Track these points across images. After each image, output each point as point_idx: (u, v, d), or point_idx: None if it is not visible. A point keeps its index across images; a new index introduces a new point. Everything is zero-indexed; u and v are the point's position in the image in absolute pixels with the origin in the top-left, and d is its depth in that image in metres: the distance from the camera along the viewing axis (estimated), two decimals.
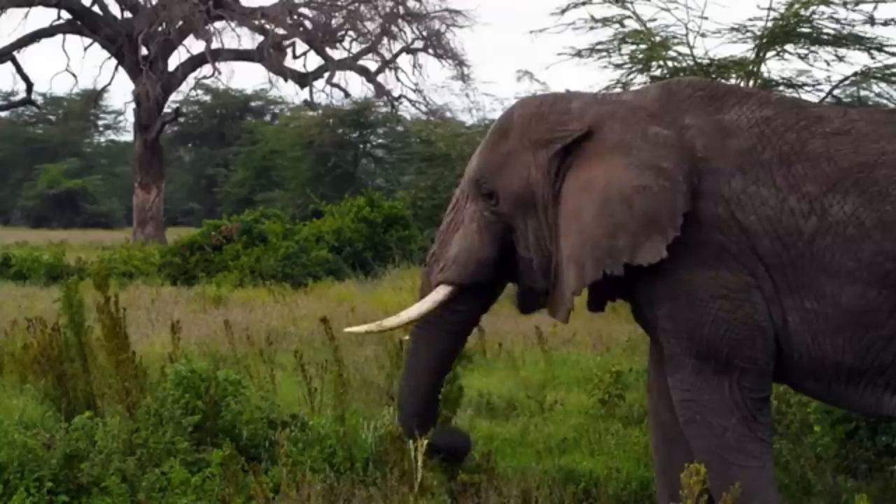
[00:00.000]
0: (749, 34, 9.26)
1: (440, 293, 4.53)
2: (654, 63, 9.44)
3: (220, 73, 31.82)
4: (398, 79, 32.73)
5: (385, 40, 32.07)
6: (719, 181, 4.14)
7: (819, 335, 4.09)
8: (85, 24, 30.89)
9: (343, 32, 31.97)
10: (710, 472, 4.06)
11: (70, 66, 51.52)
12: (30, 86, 33.47)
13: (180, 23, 29.75)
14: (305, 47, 31.88)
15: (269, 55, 30.48)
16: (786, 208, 4.08)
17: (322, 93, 33.21)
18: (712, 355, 4.15)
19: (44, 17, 53.02)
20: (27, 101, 36.46)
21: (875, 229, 3.99)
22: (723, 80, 9.10)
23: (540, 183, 4.35)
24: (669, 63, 9.36)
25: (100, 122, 55.13)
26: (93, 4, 31.14)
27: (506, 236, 4.46)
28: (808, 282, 4.07)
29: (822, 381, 4.21)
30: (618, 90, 9.66)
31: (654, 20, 9.70)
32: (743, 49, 9.62)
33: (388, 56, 32.37)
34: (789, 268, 4.09)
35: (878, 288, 3.99)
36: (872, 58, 9.20)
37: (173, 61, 31.32)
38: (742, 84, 9.25)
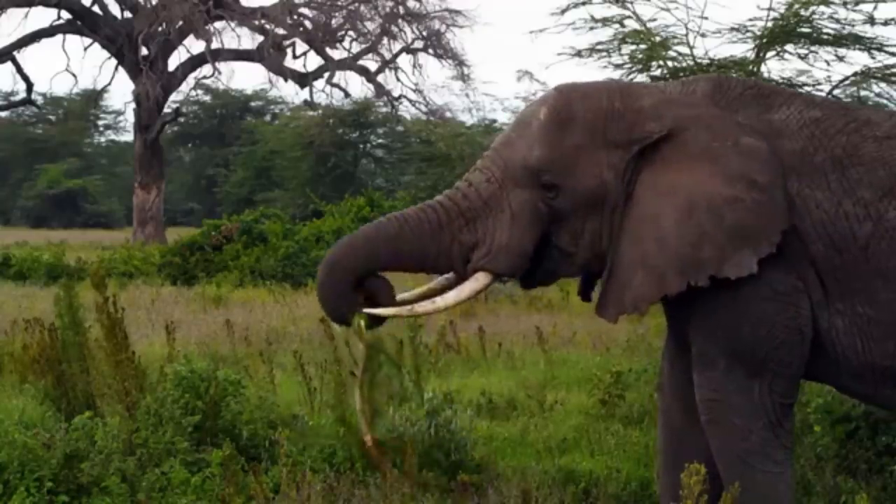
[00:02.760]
0: (749, 34, 9.25)
1: (481, 281, 4.28)
2: (654, 63, 9.43)
3: (220, 73, 31.94)
4: (398, 79, 32.81)
5: (385, 40, 32.12)
6: None
7: (870, 339, 4.08)
8: (85, 24, 30.92)
9: (343, 32, 31.99)
10: (730, 474, 4.11)
11: (70, 66, 51.71)
12: (30, 86, 33.53)
13: (180, 23, 29.77)
14: (305, 47, 31.92)
15: (269, 55, 30.51)
16: (840, 212, 4.06)
17: (322, 93, 33.29)
18: (748, 356, 4.11)
19: (44, 17, 53.24)
20: (27, 101, 36.51)
21: None
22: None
23: (612, 184, 4.21)
24: (669, 63, 9.35)
25: (100, 122, 55.20)
26: (93, 4, 31.17)
27: (548, 227, 4.26)
28: (861, 286, 4.05)
29: (869, 384, 4.19)
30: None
31: (654, 20, 9.69)
32: (743, 49, 9.59)
33: (388, 56, 32.42)
34: (842, 272, 4.07)
35: None
36: (872, 58, 9.18)
37: (173, 61, 31.41)
38: None
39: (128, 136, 44.49)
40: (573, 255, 4.28)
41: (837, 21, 9.10)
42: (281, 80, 32.34)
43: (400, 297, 4.32)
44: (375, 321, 4.22)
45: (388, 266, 4.32)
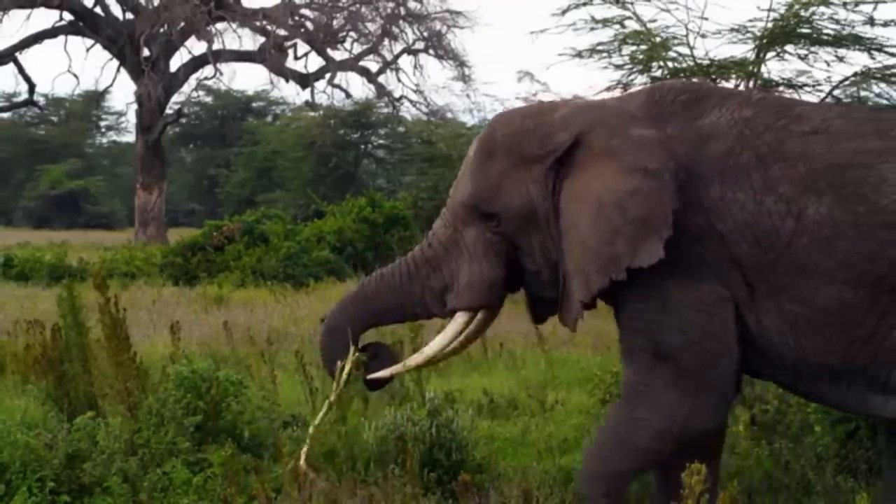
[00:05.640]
0: (749, 35, 9.27)
1: (459, 321, 4.54)
2: (654, 64, 9.46)
3: (221, 73, 31.92)
4: (399, 79, 32.85)
5: (386, 41, 32.13)
6: (699, 190, 4.16)
7: (800, 336, 4.12)
8: (87, 25, 30.94)
9: (344, 33, 32.01)
10: (603, 444, 4.27)
11: (72, 68, 51.74)
12: (32, 87, 33.55)
13: (182, 24, 29.79)
14: (307, 48, 31.93)
15: (271, 56, 30.52)
16: (763, 210, 4.10)
17: (323, 93, 33.33)
18: (673, 361, 4.18)
19: (46, 18, 53.20)
20: (29, 102, 36.55)
21: (849, 230, 4.02)
22: (710, 81, 9.13)
23: (539, 198, 4.36)
24: (670, 64, 9.37)
25: (102, 123, 55.22)
26: (95, 6, 31.19)
27: (511, 253, 4.45)
28: (786, 283, 4.09)
29: (806, 380, 4.24)
30: (617, 91, 9.67)
31: (655, 21, 9.71)
32: (743, 50, 9.63)
33: (389, 57, 32.44)
34: (768, 270, 4.11)
35: (855, 288, 4.02)
36: (872, 58, 9.21)
37: (175, 62, 31.44)
38: (742, 85, 9.27)
39: (129, 137, 44.53)
40: (540, 272, 4.45)
41: (837, 22, 9.13)
42: (282, 80, 32.38)
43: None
44: (376, 385, 4.72)
45: (380, 321, 4.76)
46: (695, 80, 9.16)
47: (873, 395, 4.15)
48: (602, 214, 4.20)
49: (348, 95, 33.89)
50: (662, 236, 4.09)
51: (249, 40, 33.73)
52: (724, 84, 9.36)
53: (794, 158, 4.12)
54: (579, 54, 9.81)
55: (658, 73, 9.43)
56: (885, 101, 9.25)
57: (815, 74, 9.38)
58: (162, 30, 29.90)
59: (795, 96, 9.40)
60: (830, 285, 4.03)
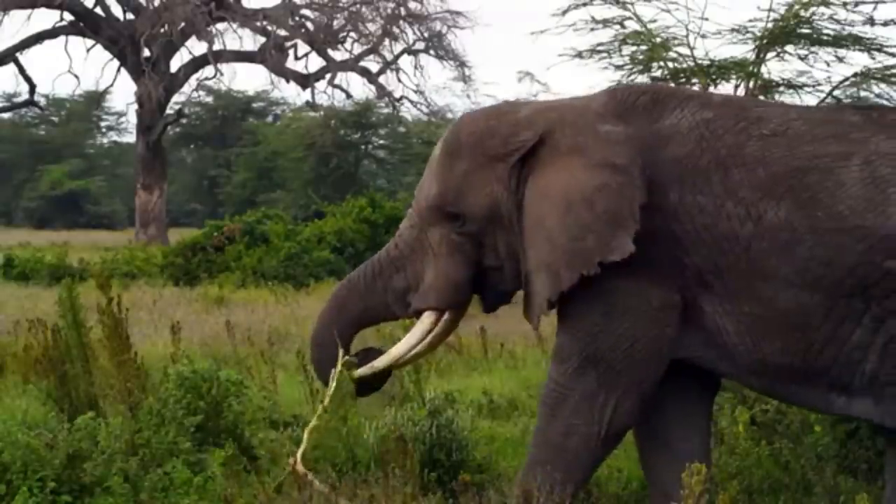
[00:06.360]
0: (749, 35, 9.26)
1: (425, 322, 4.54)
2: (654, 64, 9.45)
3: (221, 74, 31.93)
4: (399, 80, 32.82)
5: (386, 41, 32.13)
6: (657, 192, 4.17)
7: (759, 338, 4.14)
8: (87, 25, 30.95)
9: (344, 34, 32.01)
10: (535, 457, 4.30)
11: (73, 68, 51.33)
12: (32, 87, 33.56)
13: (182, 24, 29.79)
14: (307, 48, 31.93)
15: (271, 56, 30.52)
16: (723, 214, 4.12)
17: (324, 94, 33.29)
18: (603, 365, 4.21)
19: (46, 18, 53.10)
20: (30, 103, 36.58)
21: (807, 235, 4.04)
22: (710, 82, 9.14)
23: (503, 196, 4.37)
24: (670, 64, 9.37)
25: (102, 124, 55.20)
26: (95, 6, 31.20)
27: (476, 254, 4.46)
28: (745, 287, 4.12)
29: (767, 380, 4.27)
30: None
31: (655, 21, 9.71)
32: (743, 50, 9.62)
33: (389, 57, 32.45)
34: (727, 273, 4.13)
35: (812, 292, 4.04)
36: (872, 58, 9.20)
37: (175, 63, 31.45)
38: (742, 85, 9.28)
39: (130, 138, 44.47)
40: (502, 269, 4.47)
41: (837, 22, 9.12)
42: (283, 81, 32.40)
43: None
44: (364, 391, 4.75)
45: (361, 325, 4.76)
46: (695, 80, 9.18)
47: (837, 396, 4.19)
48: (570, 210, 4.21)
49: (349, 96, 33.94)
50: (631, 231, 4.12)
51: (250, 40, 33.77)
52: (725, 85, 9.38)
53: (753, 162, 4.14)
54: (579, 55, 9.80)
55: (658, 74, 9.42)
56: (885, 102, 9.25)
57: (815, 75, 9.37)
58: (162, 30, 29.91)
59: (796, 97, 9.40)
60: (789, 289, 4.06)
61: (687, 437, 4.49)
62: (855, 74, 9.28)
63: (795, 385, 4.21)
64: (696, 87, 9.00)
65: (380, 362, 4.64)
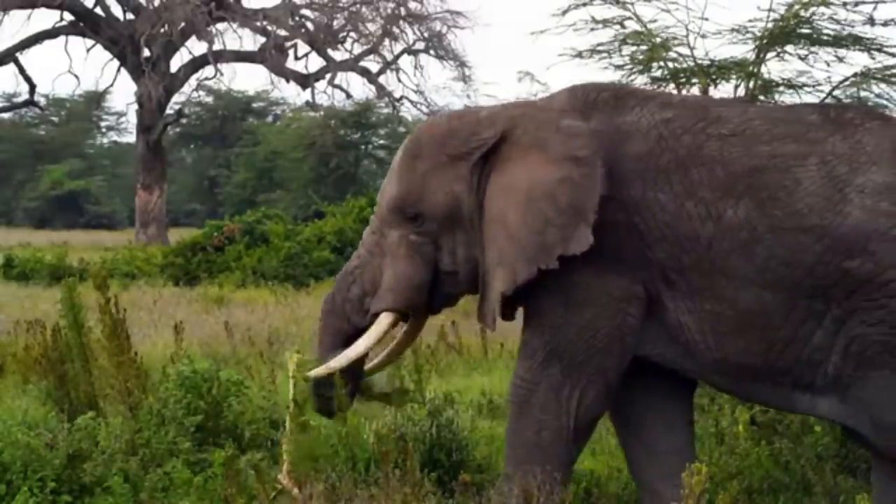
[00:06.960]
0: (749, 35, 9.25)
1: (383, 323, 4.52)
2: (654, 64, 9.45)
3: (221, 74, 31.90)
4: (399, 80, 32.81)
5: (386, 41, 32.12)
6: (619, 186, 4.19)
7: (721, 336, 4.16)
8: (87, 25, 30.94)
9: (344, 34, 32.00)
10: (512, 459, 4.34)
11: (73, 68, 51.57)
12: (32, 87, 33.54)
13: (182, 24, 29.78)
14: (307, 48, 31.92)
15: (271, 56, 30.51)
16: (684, 214, 4.14)
17: (324, 94, 33.29)
18: (566, 356, 4.25)
19: (46, 18, 53.10)
20: (30, 103, 36.55)
21: (767, 234, 4.06)
22: (710, 82, 9.14)
23: (464, 195, 4.38)
24: (670, 64, 9.36)
25: (102, 124, 55.21)
26: (95, 6, 31.19)
27: (434, 255, 4.46)
28: (707, 285, 4.14)
29: (731, 379, 4.29)
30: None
31: (655, 21, 9.70)
32: (743, 50, 9.60)
33: (389, 57, 32.43)
34: (688, 271, 4.15)
35: (772, 291, 4.06)
36: (872, 58, 9.19)
37: (175, 63, 31.42)
38: (742, 85, 9.28)
39: (130, 138, 44.51)
40: (456, 272, 4.47)
41: (837, 22, 9.11)
42: (283, 81, 32.36)
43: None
44: (327, 410, 4.78)
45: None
46: (695, 80, 9.17)
47: (800, 395, 4.21)
48: (531, 206, 4.22)
49: (349, 96, 33.93)
50: (590, 222, 4.13)
51: (250, 40, 33.80)
52: (725, 85, 9.38)
53: (712, 162, 4.16)
54: (579, 55, 9.79)
55: (658, 74, 9.41)
56: (885, 102, 9.25)
57: (816, 75, 9.36)
58: (162, 30, 29.90)
59: (796, 96, 9.40)
60: (749, 288, 4.08)
61: (667, 434, 4.51)
62: (855, 74, 9.27)
63: (758, 384, 4.23)
64: (696, 88, 8.99)
65: (336, 362, 4.57)
